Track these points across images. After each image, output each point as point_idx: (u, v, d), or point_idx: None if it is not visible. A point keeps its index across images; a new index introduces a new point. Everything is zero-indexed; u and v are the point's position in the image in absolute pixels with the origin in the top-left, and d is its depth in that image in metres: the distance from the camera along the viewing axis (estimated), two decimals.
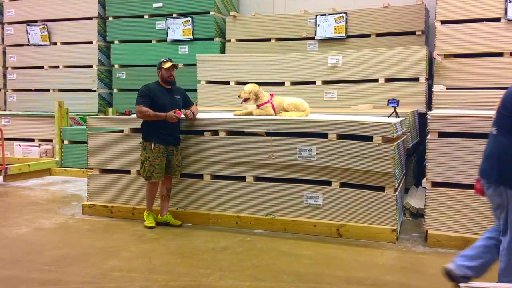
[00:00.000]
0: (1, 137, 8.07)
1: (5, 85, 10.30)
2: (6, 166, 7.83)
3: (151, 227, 5.26)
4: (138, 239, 4.99)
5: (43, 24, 9.65)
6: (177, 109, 5.20)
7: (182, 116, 5.28)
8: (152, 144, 5.18)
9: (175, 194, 5.54)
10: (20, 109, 9.87)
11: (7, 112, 9.70)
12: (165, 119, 5.11)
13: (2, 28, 10.22)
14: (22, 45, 10.01)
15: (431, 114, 4.78)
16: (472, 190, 4.54)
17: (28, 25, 9.79)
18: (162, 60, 5.32)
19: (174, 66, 5.30)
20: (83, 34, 9.47)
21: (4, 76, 10.27)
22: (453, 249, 4.55)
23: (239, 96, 5.57)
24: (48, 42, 9.69)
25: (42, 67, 9.82)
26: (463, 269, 3.32)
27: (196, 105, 7.74)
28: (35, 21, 9.82)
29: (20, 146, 9.21)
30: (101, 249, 4.63)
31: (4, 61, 10.25)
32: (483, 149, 4.49)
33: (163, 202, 5.31)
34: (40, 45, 9.78)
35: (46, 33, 9.65)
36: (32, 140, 9.25)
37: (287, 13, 8.64)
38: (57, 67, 9.70)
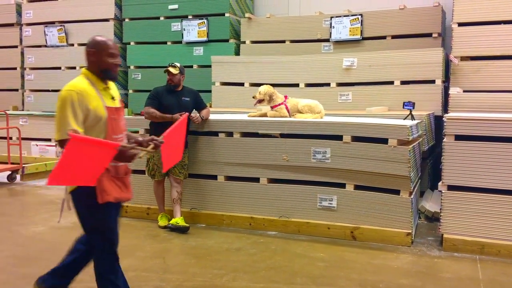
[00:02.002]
0: (19, 136, 8.19)
1: (23, 86, 10.43)
2: (23, 165, 7.94)
3: (165, 227, 5.29)
4: (152, 239, 5.02)
5: (61, 26, 9.77)
6: (184, 113, 5.21)
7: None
8: None
9: (189, 195, 5.56)
10: (38, 109, 9.99)
11: (24, 112, 9.84)
12: (171, 121, 5.15)
13: (21, 29, 10.36)
14: (39, 46, 10.13)
15: (448, 117, 4.74)
16: (489, 194, 4.52)
17: (46, 26, 9.91)
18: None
19: (169, 71, 5.31)
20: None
21: (22, 76, 10.40)
22: (469, 253, 4.50)
23: (254, 97, 5.58)
24: (65, 43, 9.80)
25: (59, 68, 9.93)
26: None
27: (211, 106, 7.81)
28: (53, 23, 9.94)
29: (37, 145, 9.34)
30: None
31: (22, 61, 10.38)
32: (500, 153, 4.46)
33: (174, 206, 5.32)
34: (58, 46, 9.89)
35: (63, 35, 9.76)
36: (49, 139, 9.36)
37: (301, 15, 8.63)
38: (74, 68, 9.79)
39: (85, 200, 2.87)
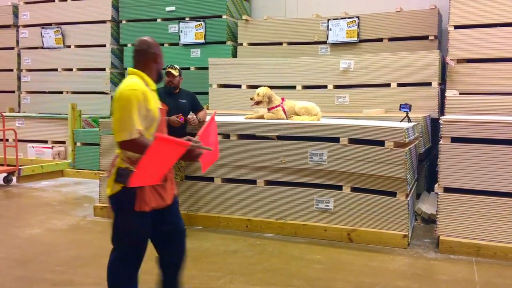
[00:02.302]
0: (15, 138, 8.17)
1: (19, 87, 10.42)
2: (20, 167, 7.91)
3: None
4: (148, 241, 5.00)
5: (58, 27, 9.76)
6: (181, 114, 5.21)
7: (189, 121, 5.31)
8: None
9: (185, 197, 5.56)
10: (34, 111, 9.98)
11: (21, 114, 9.82)
12: (168, 123, 5.15)
13: (17, 31, 10.35)
14: (36, 48, 10.12)
15: (444, 119, 4.75)
16: (485, 196, 4.53)
17: (42, 28, 9.91)
18: (166, 66, 5.40)
19: (170, 73, 5.30)
20: (97, 37, 9.56)
21: (19, 78, 10.39)
22: (465, 255, 4.51)
23: (251, 99, 5.59)
24: (62, 45, 9.80)
25: (56, 70, 9.92)
26: None
27: (207, 108, 7.82)
28: (50, 24, 9.93)
29: (33, 147, 9.31)
30: None
31: (19, 63, 10.37)
32: (496, 155, 4.48)
33: None
34: (54, 48, 9.89)
35: (60, 36, 9.76)
36: (45, 141, 9.34)
37: (299, 17, 8.65)
38: (71, 69, 9.80)
39: (122, 204, 2.81)
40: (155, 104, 2.88)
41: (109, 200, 2.87)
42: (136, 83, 2.81)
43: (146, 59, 2.95)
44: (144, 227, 2.89)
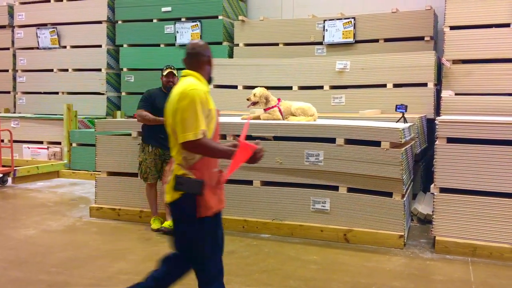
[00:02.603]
0: (10, 139, 8.14)
1: (14, 88, 10.38)
2: (15, 168, 7.88)
3: (158, 230, 5.28)
4: (145, 242, 5.00)
5: (53, 28, 9.73)
6: None
7: None
8: (150, 147, 5.29)
9: None
10: (29, 112, 9.94)
11: (16, 115, 9.79)
12: (163, 123, 5.14)
13: (13, 31, 10.32)
14: (32, 48, 10.09)
15: (440, 119, 4.76)
16: (481, 197, 4.54)
17: (38, 28, 9.88)
18: (163, 67, 5.39)
19: (172, 73, 5.31)
20: (93, 38, 9.54)
21: (14, 78, 10.36)
22: (461, 255, 4.52)
23: (248, 99, 5.58)
24: (57, 46, 9.77)
25: (51, 70, 9.89)
26: None
27: None
28: (45, 25, 9.90)
29: (29, 148, 9.28)
30: (108, 252, 4.64)
31: (14, 64, 10.34)
32: (492, 155, 4.49)
33: (166, 209, 5.31)
34: (50, 48, 9.86)
35: (55, 37, 9.72)
36: (41, 142, 9.31)
37: (295, 18, 8.66)
38: (66, 70, 9.76)
39: (184, 211, 2.76)
40: (213, 105, 2.88)
41: (170, 206, 2.85)
42: (197, 84, 2.81)
43: (201, 61, 2.96)
44: (210, 232, 2.85)
